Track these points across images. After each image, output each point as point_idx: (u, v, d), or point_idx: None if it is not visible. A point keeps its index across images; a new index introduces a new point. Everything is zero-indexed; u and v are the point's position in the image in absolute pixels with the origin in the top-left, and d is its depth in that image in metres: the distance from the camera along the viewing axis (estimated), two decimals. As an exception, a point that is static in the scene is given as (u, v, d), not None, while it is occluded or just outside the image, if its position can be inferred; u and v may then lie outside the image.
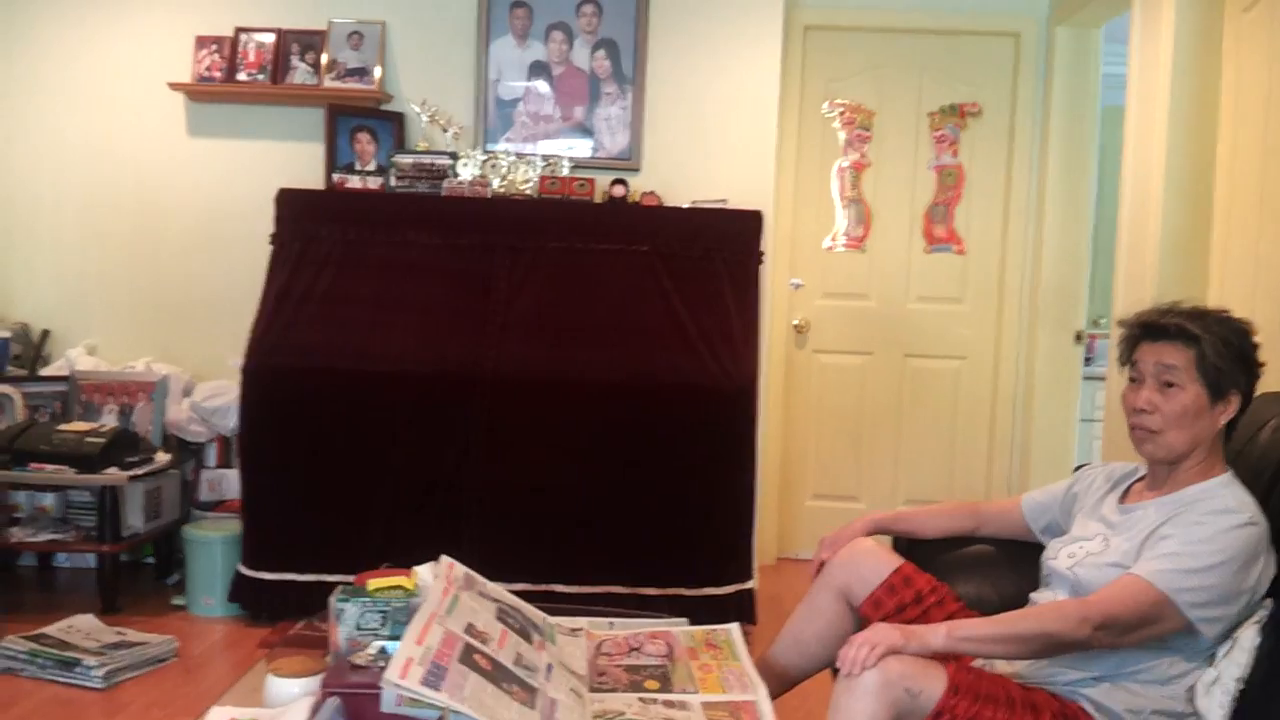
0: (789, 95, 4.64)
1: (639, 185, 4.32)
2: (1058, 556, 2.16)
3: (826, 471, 4.92)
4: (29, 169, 4.48)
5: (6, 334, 4.22)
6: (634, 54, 4.42)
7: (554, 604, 2.40)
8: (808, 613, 2.37)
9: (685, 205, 4.16)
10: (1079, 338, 4.75)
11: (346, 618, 2.03)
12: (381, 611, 2.04)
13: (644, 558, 3.69)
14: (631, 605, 3.47)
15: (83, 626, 3.50)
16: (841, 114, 4.81)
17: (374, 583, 2.09)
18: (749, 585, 3.74)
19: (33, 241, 4.49)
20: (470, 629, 1.95)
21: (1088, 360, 4.94)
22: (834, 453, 4.92)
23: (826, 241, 4.85)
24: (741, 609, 3.65)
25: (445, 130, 4.30)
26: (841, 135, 4.82)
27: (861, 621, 2.27)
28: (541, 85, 4.46)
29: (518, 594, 2.27)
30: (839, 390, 4.89)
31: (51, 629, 3.45)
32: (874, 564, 2.30)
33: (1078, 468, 2.41)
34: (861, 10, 4.73)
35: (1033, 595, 2.20)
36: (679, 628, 2.37)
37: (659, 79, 4.44)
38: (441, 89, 4.42)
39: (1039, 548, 2.29)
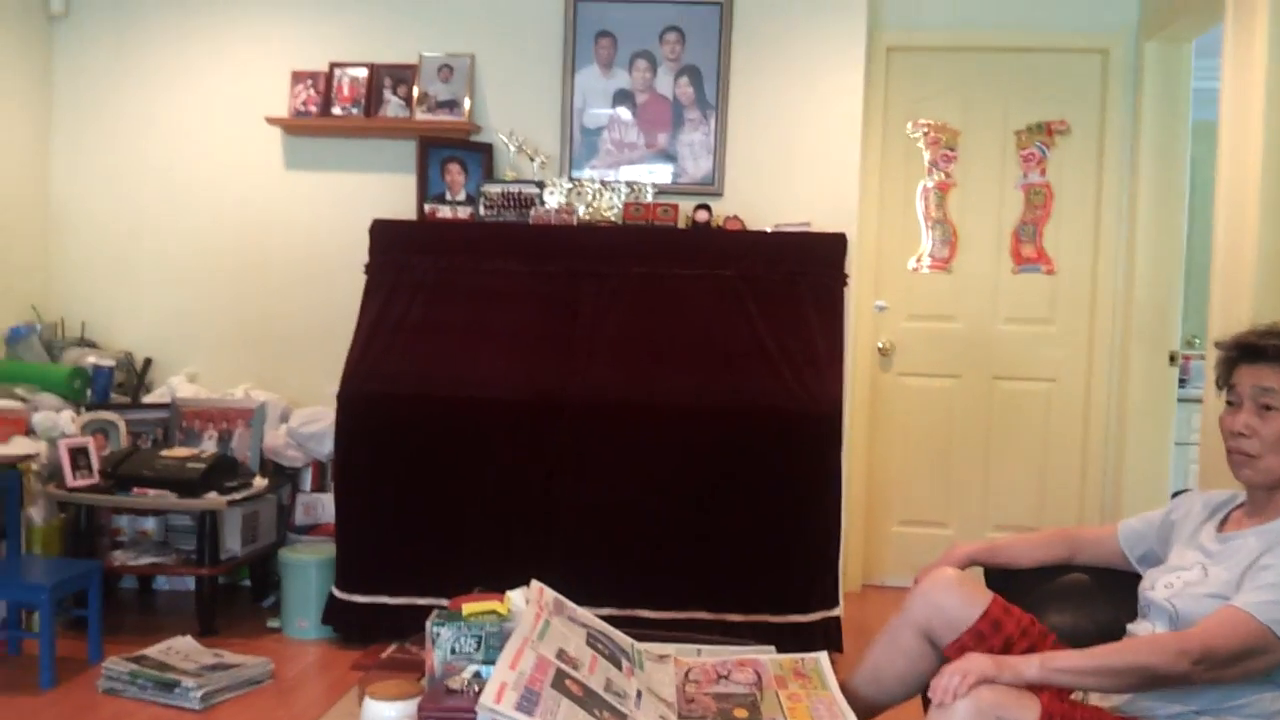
0: (872, 116, 4.63)
1: (722, 210, 4.34)
2: (1155, 587, 2.10)
3: (913, 497, 4.87)
4: (132, 202, 4.67)
5: (110, 362, 4.39)
6: (717, 80, 4.46)
7: (640, 629, 2.42)
8: (888, 649, 2.29)
9: (769, 229, 4.17)
10: (1173, 359, 4.63)
11: (442, 642, 2.07)
12: (476, 636, 2.07)
13: (729, 583, 3.69)
14: (716, 631, 3.47)
15: (181, 648, 3.61)
16: (926, 134, 4.78)
17: (468, 607, 2.13)
18: (835, 613, 3.71)
19: (135, 272, 4.67)
20: (562, 654, 1.98)
21: (1182, 382, 4.81)
22: (921, 478, 4.86)
23: (911, 263, 4.81)
24: (828, 637, 3.62)
25: (532, 159, 4.38)
26: (926, 155, 4.79)
27: (946, 663, 2.22)
28: (625, 113, 4.52)
29: (604, 619, 2.29)
30: (926, 414, 4.83)
31: (151, 650, 3.55)
32: (960, 604, 2.19)
33: (1175, 494, 2.35)
34: (945, 31, 4.70)
35: (1130, 626, 2.14)
36: (767, 655, 2.36)
37: (742, 104, 4.46)
38: (528, 119, 4.50)
39: (1135, 577, 2.23)
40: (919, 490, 4.86)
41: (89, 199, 4.69)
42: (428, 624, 2.12)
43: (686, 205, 4.26)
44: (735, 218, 4.23)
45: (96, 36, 4.66)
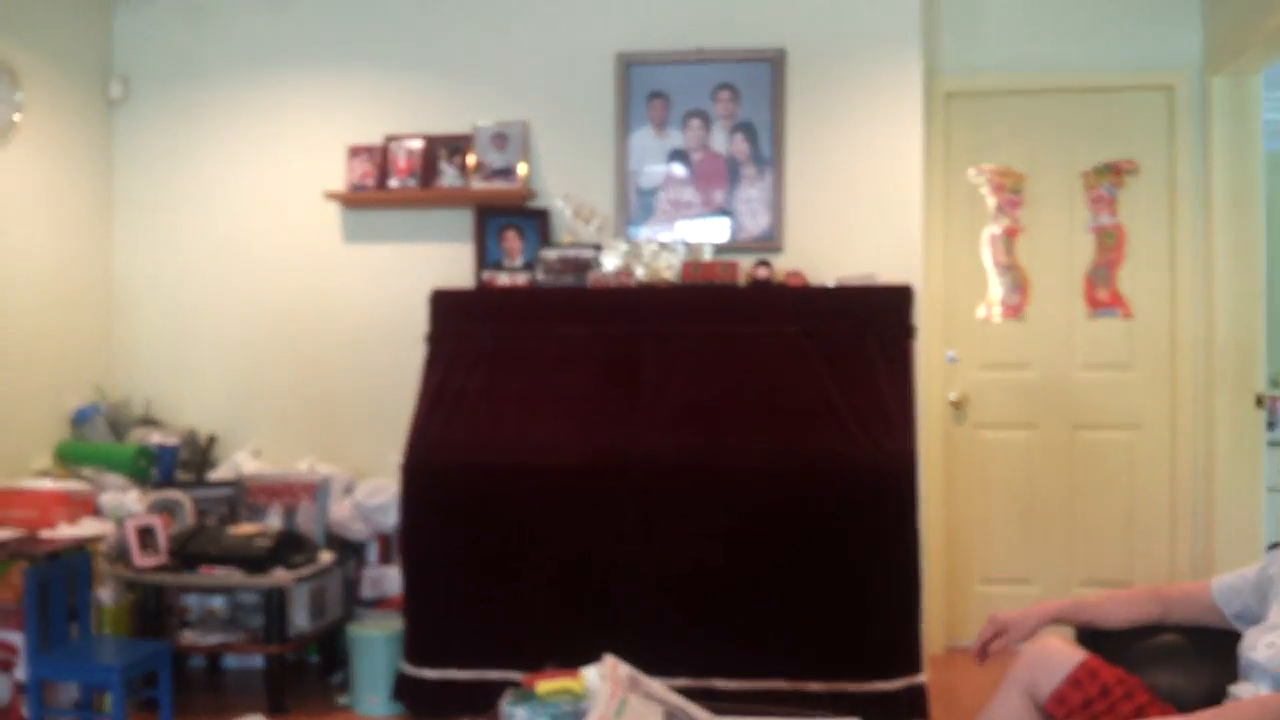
0: (933, 164, 4.55)
1: (783, 265, 4.27)
2: (1256, 647, 2.01)
3: (996, 553, 4.69)
4: (193, 280, 4.72)
5: (175, 440, 4.41)
6: (771, 135, 4.42)
7: (716, 702, 2.32)
8: (995, 713, 2.24)
9: (831, 283, 4.09)
10: (1260, 401, 4.45)
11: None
12: (551, 715, 2.00)
13: (805, 649, 3.56)
14: (795, 702, 3.35)
15: (253, 728, 3.56)
16: (990, 180, 4.69)
17: (542, 685, 2.06)
18: (920, 679, 3.56)
19: (197, 349, 4.71)
20: (639, 734, 1.89)
21: (1270, 425, 4.62)
22: (1003, 533, 4.69)
23: (981, 311, 4.69)
24: (913, 705, 3.47)
25: (588, 223, 4.35)
26: (991, 201, 4.69)
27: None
28: (681, 171, 4.49)
29: (679, 690, 2.21)
30: (1004, 466, 4.68)
31: (223, 731, 3.51)
32: (1058, 659, 2.20)
33: (1271, 546, 2.25)
34: (1004, 73, 4.63)
35: (1232, 689, 2.05)
36: (853, 729, 2.25)
37: (799, 157, 4.41)
38: (583, 182, 4.48)
39: (1234, 635, 2.17)
40: (1001, 546, 4.69)
41: (150, 278, 4.75)
42: (501, 703, 2.05)
43: (746, 262, 4.20)
44: (797, 273, 4.16)
45: (154, 119, 4.76)
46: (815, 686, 3.52)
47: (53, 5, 4.44)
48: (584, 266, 4.19)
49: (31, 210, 4.31)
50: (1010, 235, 4.68)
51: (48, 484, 4.00)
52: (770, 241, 4.41)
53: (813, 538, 3.59)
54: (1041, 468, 4.67)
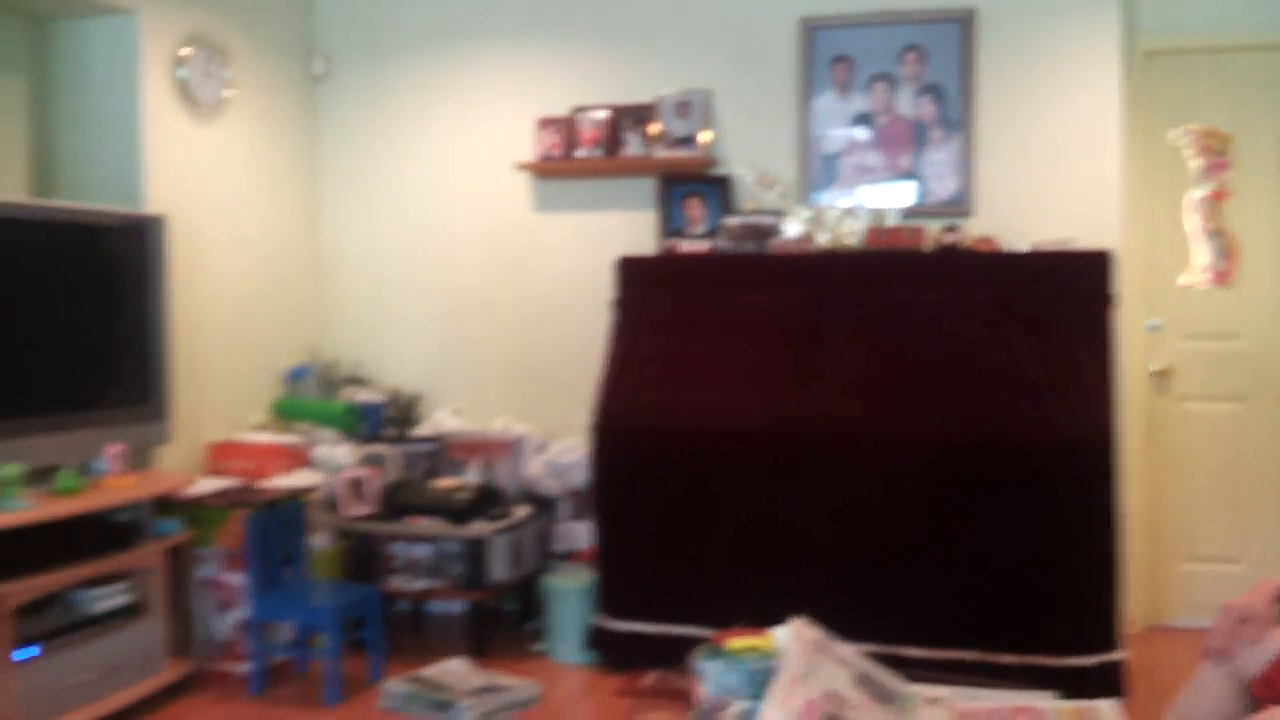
0: (1132, 125, 4.35)
1: (972, 230, 4.19)
2: None
3: (1201, 531, 4.49)
4: (394, 248, 4.98)
5: (381, 398, 4.68)
6: (960, 97, 4.32)
7: (906, 669, 2.34)
8: (1197, 693, 2.18)
9: (1023, 249, 3.99)
10: None
11: (709, 676, 2.08)
12: (742, 672, 2.07)
13: (997, 622, 3.53)
14: (985, 673, 3.32)
15: (455, 670, 3.75)
16: (1196, 141, 4.45)
17: (733, 643, 2.13)
18: (1117, 656, 3.47)
19: (400, 312, 4.97)
20: (830, 695, 1.94)
21: None
22: (1209, 510, 4.48)
23: (1186, 279, 4.48)
24: (1108, 682, 3.38)
25: (770, 189, 4.37)
26: (1196, 163, 4.45)
27: (1254, 702, 2.05)
28: (865, 136, 4.45)
29: (866, 657, 2.23)
30: (1211, 441, 4.46)
31: (428, 671, 3.72)
32: (1265, 639, 2.09)
33: None
34: (1209, 32, 4.37)
35: None
36: (1047, 703, 2.24)
37: (988, 120, 4.31)
38: (765, 148, 4.50)
39: None
40: (1207, 524, 4.48)
41: (355, 245, 5.03)
42: (693, 657, 2.13)
43: (933, 227, 4.13)
44: (987, 238, 4.07)
45: (355, 93, 5.01)
46: (1007, 659, 3.49)
47: (260, -15, 4.73)
48: (766, 233, 4.21)
49: (245, 182, 4.61)
50: (1217, 199, 4.43)
51: (265, 437, 4.32)
52: (959, 206, 4.32)
53: (1007, 510, 3.54)
54: (1251, 442, 4.43)
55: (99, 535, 3.49)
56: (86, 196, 4.00)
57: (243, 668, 3.86)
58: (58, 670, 3.31)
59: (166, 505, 3.78)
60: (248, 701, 3.70)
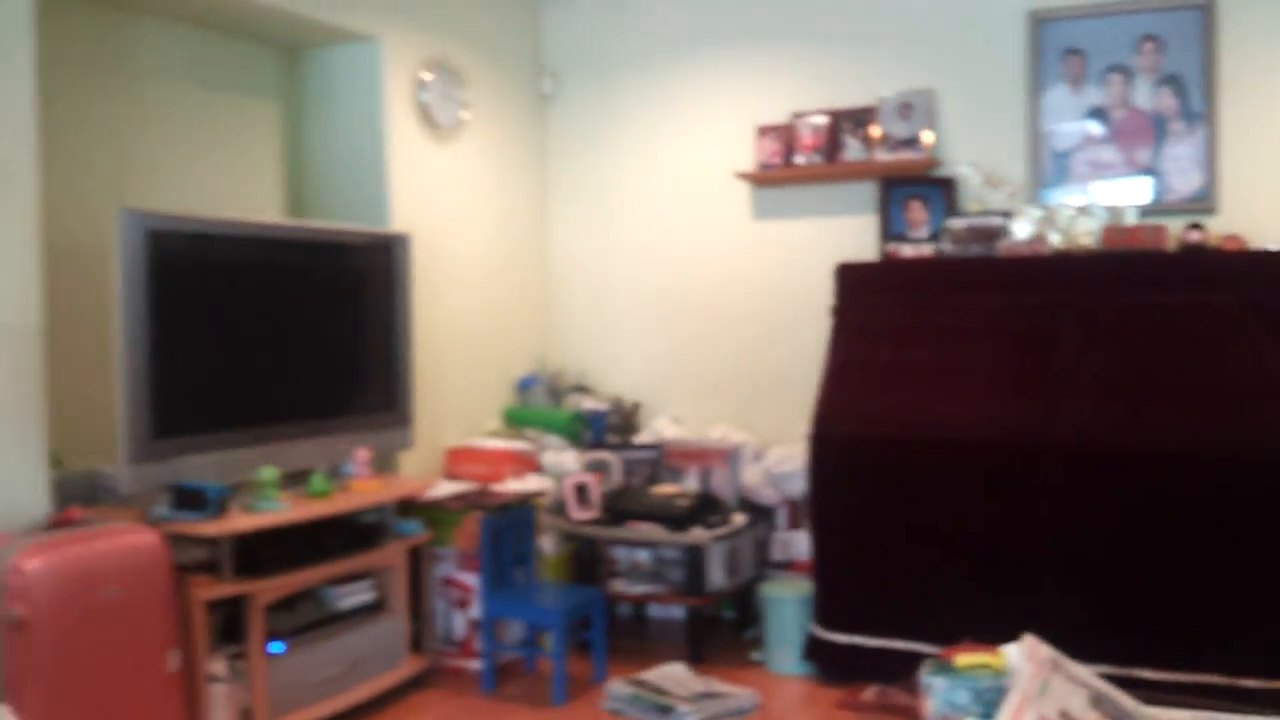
0: (1407, 108, 3.99)
1: (1217, 228, 3.93)
2: None
3: None
4: (615, 260, 5.12)
5: (604, 406, 4.82)
6: (1202, 87, 4.07)
7: (1140, 692, 2.22)
8: None
9: (1275, 248, 3.71)
10: None
11: (936, 692, 2.04)
12: (971, 689, 2.02)
13: (1241, 644, 3.29)
14: (1227, 698, 3.11)
15: (675, 675, 3.84)
16: None
17: (962, 659, 2.08)
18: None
19: (621, 323, 5.10)
20: (1064, 715, 1.87)
21: None
22: None
23: None
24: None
25: (997, 189, 4.24)
26: None
27: None
28: (1099, 130, 4.25)
29: (1100, 678, 2.14)
30: None
31: (649, 675, 3.81)
32: None
33: None
34: None
35: None
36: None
37: (1233, 111, 4.03)
38: (991, 147, 4.37)
39: None
40: None
41: (580, 260, 5.20)
42: (921, 673, 2.10)
43: (1174, 225, 3.91)
44: (1235, 236, 3.81)
45: (581, 110, 5.18)
46: (1251, 683, 3.25)
47: (490, 9, 4.95)
48: (993, 235, 4.09)
49: (478, 199, 4.85)
50: None
51: (498, 443, 4.53)
52: (1202, 202, 4.07)
53: (1255, 526, 3.30)
54: None
55: (347, 535, 3.68)
56: (334, 216, 4.31)
57: (474, 664, 4.05)
58: (307, 664, 3.51)
59: (408, 507, 4.01)
60: (480, 698, 3.87)
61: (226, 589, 3.25)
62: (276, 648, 3.43)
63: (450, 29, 4.66)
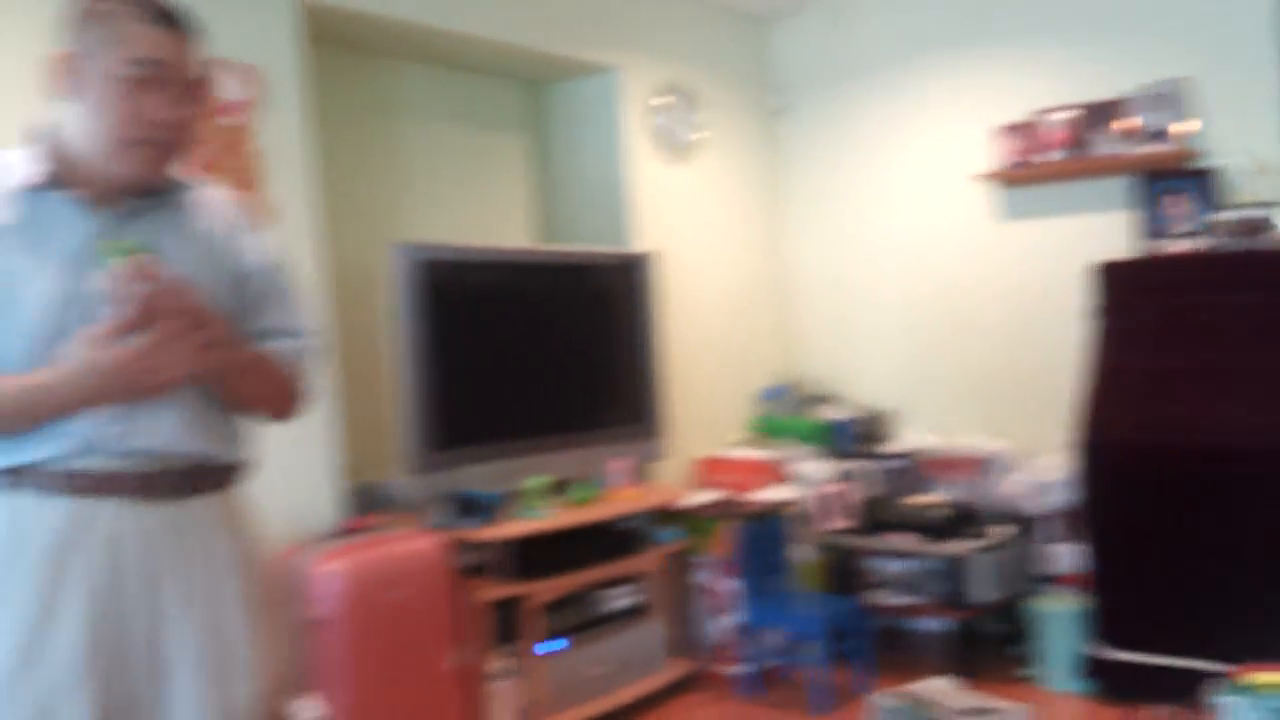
0: None
1: None
2: None
3: None
4: (854, 269, 5.10)
5: (850, 415, 4.79)
6: None
7: None
8: None
9: None
10: None
11: (1230, 713, 1.95)
12: (1268, 709, 1.92)
13: None
14: None
15: (942, 689, 3.74)
16: None
17: (1258, 678, 1.98)
18: None
19: (864, 331, 5.08)
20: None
21: None
22: None
23: None
24: None
25: (1264, 176, 3.96)
26: None
27: None
28: (1390, 107, 3.90)
29: None
30: None
31: (916, 688, 3.74)
32: None
33: None
34: None
35: None
36: None
37: None
38: (1259, 134, 4.07)
39: None
40: None
41: (819, 269, 5.21)
42: (1212, 692, 1.99)
43: None
44: None
45: (811, 123, 5.20)
46: None
47: (721, 32, 5.05)
48: (1263, 228, 3.83)
49: (715, 216, 4.95)
50: None
51: (747, 453, 4.59)
52: None
53: None
54: None
55: (609, 541, 3.87)
56: (581, 239, 4.50)
57: (733, 670, 4.10)
58: (579, 662, 3.71)
59: (664, 515, 4.13)
60: (740, 703, 3.92)
61: (507, 590, 3.44)
62: (557, 645, 3.63)
63: (683, 54, 4.79)
